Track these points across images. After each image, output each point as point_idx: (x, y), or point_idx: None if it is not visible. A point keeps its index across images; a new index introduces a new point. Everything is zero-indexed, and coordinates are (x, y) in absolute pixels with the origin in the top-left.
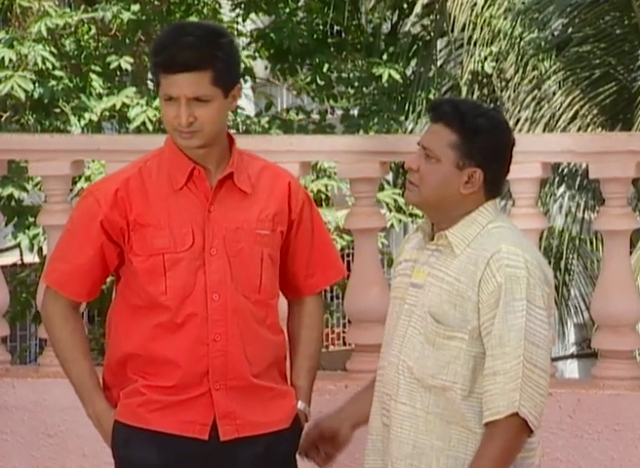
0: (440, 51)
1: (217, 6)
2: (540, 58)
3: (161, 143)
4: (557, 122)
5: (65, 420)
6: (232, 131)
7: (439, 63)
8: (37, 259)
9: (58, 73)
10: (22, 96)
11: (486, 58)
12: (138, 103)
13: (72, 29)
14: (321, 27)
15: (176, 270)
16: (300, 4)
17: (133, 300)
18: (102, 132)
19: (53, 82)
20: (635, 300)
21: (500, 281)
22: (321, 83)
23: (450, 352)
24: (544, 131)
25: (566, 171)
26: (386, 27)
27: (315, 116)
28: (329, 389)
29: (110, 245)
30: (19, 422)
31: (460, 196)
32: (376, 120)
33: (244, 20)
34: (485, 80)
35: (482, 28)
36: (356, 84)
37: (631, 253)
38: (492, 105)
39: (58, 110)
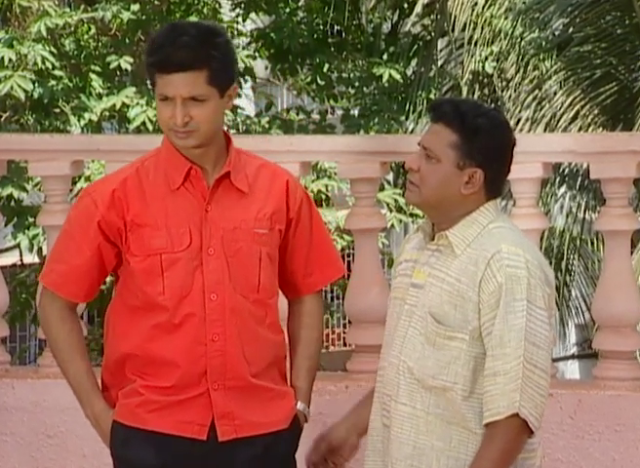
0: (441, 51)
1: (217, 6)
2: (541, 57)
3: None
4: (558, 122)
5: (65, 421)
6: (232, 131)
7: (440, 63)
8: (37, 260)
9: (57, 73)
10: (22, 95)
11: (487, 58)
12: (137, 103)
13: (72, 29)
14: (321, 27)
15: (173, 270)
16: (300, 4)
17: (130, 301)
18: (102, 132)
19: (52, 82)
20: (636, 301)
21: (501, 281)
22: (321, 83)
23: (450, 352)
24: (545, 131)
25: (567, 171)
26: (387, 27)
27: (315, 116)
28: (329, 390)
29: (108, 245)
30: (18, 423)
31: (461, 196)
32: (376, 120)
33: (244, 20)
34: (486, 80)
35: (483, 28)
36: (356, 84)
37: (632, 253)
38: (492, 105)
39: (57, 110)
